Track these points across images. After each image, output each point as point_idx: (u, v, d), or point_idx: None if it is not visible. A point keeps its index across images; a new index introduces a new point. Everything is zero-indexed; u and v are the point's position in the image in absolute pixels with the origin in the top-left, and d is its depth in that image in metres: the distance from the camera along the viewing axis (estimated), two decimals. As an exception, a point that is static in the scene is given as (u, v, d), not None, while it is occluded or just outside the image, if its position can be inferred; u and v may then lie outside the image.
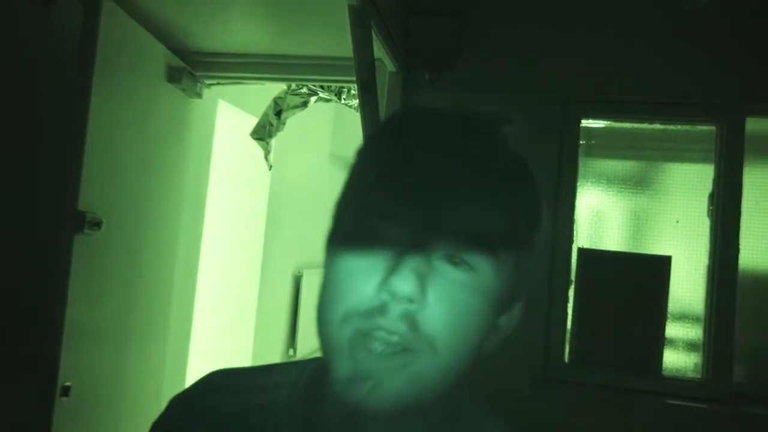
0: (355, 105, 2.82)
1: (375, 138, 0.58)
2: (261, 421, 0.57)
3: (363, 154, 0.56)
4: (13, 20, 1.74)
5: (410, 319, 0.47)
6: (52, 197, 1.84)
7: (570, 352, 2.15)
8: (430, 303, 0.48)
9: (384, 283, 0.47)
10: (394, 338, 0.47)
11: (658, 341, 2.10)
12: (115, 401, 2.14)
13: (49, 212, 1.83)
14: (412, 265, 0.47)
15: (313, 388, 0.58)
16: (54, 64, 1.90)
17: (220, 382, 0.62)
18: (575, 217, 2.17)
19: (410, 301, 0.47)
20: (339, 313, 0.48)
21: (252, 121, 3.11)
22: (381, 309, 0.47)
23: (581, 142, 2.21)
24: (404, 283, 0.46)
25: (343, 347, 0.48)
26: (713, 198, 2.09)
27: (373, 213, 0.50)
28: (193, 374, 2.80)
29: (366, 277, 0.48)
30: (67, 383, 1.81)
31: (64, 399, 1.80)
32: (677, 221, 2.15)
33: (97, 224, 1.89)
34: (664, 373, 2.10)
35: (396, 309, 0.47)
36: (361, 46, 1.66)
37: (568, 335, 2.15)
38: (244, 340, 3.73)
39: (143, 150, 2.21)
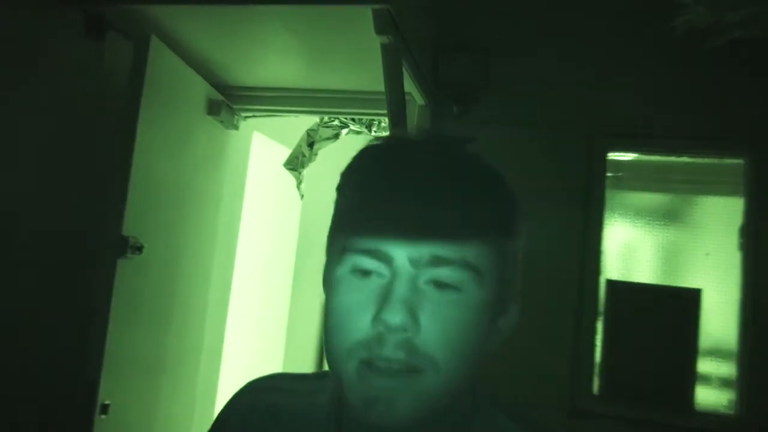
0: (386, 137, 2.88)
1: (349, 175, 0.59)
2: (308, 421, 0.64)
3: (341, 191, 0.59)
4: (69, 56, 1.87)
5: (408, 345, 0.51)
6: (98, 222, 1.94)
7: (600, 385, 2.13)
8: (424, 326, 0.51)
9: (376, 317, 0.51)
10: (395, 365, 0.51)
11: (689, 375, 2.07)
12: (150, 419, 2.20)
13: (96, 236, 1.92)
14: (399, 296, 0.51)
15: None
16: (105, 97, 2.02)
17: (274, 382, 0.70)
18: (603, 249, 2.18)
19: (404, 330, 0.51)
20: (343, 348, 0.53)
21: (285, 152, 3.21)
22: (379, 340, 0.51)
23: (609, 174, 2.22)
24: (395, 315, 0.50)
25: (353, 376, 0.52)
26: (744, 231, 2.08)
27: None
28: (223, 395, 2.85)
29: (361, 311, 0.53)
30: (107, 401, 1.88)
31: (102, 416, 1.86)
32: (707, 254, 2.13)
33: (139, 248, 1.97)
34: (697, 408, 2.06)
35: (392, 339, 0.51)
36: (393, 81, 1.74)
37: (597, 368, 2.13)
38: (273, 363, 3.77)
39: (182, 178, 2.31)
